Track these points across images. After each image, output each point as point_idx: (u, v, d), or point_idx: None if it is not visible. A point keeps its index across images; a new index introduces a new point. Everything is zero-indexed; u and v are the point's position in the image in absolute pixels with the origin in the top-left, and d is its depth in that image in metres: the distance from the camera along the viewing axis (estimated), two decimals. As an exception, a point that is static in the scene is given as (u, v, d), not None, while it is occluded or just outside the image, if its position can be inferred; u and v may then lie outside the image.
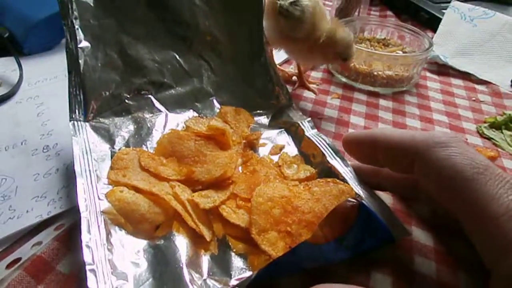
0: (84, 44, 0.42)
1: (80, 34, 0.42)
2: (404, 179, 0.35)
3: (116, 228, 0.31)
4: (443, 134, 0.28)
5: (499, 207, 0.22)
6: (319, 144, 0.41)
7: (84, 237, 0.28)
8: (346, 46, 0.49)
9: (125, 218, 0.31)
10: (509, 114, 0.52)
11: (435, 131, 0.28)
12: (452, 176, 0.25)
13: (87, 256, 0.27)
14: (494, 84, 0.63)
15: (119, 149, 0.39)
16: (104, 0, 0.44)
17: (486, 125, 0.52)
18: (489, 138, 0.50)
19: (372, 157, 0.33)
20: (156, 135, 0.42)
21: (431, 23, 0.81)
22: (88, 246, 0.28)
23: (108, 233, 0.30)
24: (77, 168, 0.34)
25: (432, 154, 0.26)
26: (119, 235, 0.31)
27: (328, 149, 0.40)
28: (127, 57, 0.45)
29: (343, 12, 0.79)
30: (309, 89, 0.58)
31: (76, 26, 0.42)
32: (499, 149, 0.48)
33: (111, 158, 0.37)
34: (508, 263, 0.21)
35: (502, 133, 0.50)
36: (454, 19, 0.76)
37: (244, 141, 0.43)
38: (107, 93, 0.43)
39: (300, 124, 0.45)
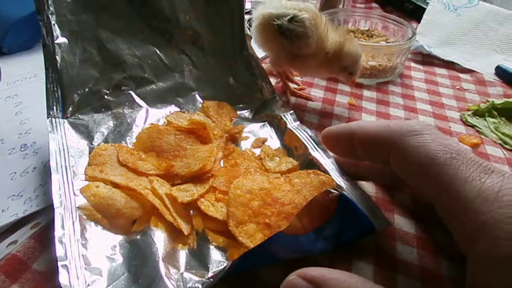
0: (61, 40, 0.41)
1: (56, 30, 0.41)
2: (384, 167, 0.35)
3: (92, 223, 0.31)
4: (416, 122, 0.28)
5: (472, 190, 0.22)
6: (301, 136, 0.41)
7: (57, 232, 0.28)
8: (353, 61, 0.47)
9: (101, 214, 0.31)
10: (493, 102, 0.52)
11: (410, 121, 0.28)
12: (425, 162, 0.25)
13: (59, 251, 0.27)
14: (478, 72, 0.63)
15: (98, 145, 0.38)
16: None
17: (469, 113, 0.52)
18: (472, 126, 0.50)
19: (350, 151, 0.33)
20: (136, 131, 0.41)
21: (416, 14, 0.81)
22: (61, 242, 0.27)
23: (83, 229, 0.30)
24: (52, 164, 0.33)
25: (406, 142, 0.26)
26: (95, 231, 0.30)
27: (310, 141, 0.40)
28: (106, 52, 0.44)
29: (327, 4, 0.79)
30: (301, 96, 0.55)
31: (53, 22, 0.41)
32: (482, 136, 0.48)
33: (90, 154, 0.37)
34: (480, 245, 0.21)
35: (486, 120, 0.50)
36: (438, 9, 0.76)
37: (226, 135, 0.43)
38: (86, 89, 0.42)
39: (283, 117, 0.44)
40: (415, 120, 0.29)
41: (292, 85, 0.56)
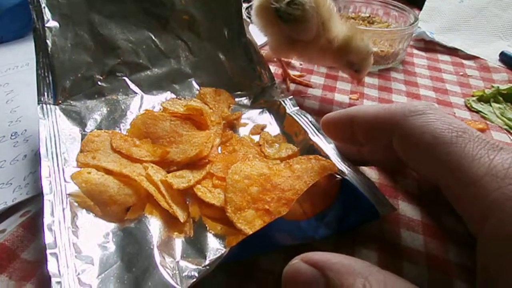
0: (52, 23, 0.40)
1: (47, 13, 0.40)
2: (387, 152, 0.33)
3: (84, 211, 0.29)
4: (419, 103, 0.27)
5: (480, 168, 0.21)
6: (301, 121, 0.40)
7: (47, 219, 0.26)
8: (361, 58, 0.44)
9: (93, 201, 0.30)
10: (498, 87, 0.51)
11: (412, 102, 0.27)
12: (431, 142, 0.24)
13: (48, 239, 0.25)
14: (482, 58, 0.62)
15: (91, 132, 0.37)
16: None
17: (474, 98, 0.51)
18: (477, 111, 0.48)
19: (351, 137, 0.32)
20: (131, 117, 0.40)
21: (418, 0, 0.79)
22: (50, 229, 0.26)
23: (74, 216, 0.28)
24: (42, 150, 0.32)
25: (410, 122, 0.25)
26: (87, 218, 0.29)
27: (310, 126, 0.39)
28: (99, 37, 0.43)
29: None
30: (300, 83, 0.53)
31: (43, 5, 0.40)
32: (488, 122, 0.47)
33: (82, 141, 0.36)
34: (490, 224, 0.20)
35: (491, 106, 0.49)
36: (441, -5, 0.75)
37: (224, 121, 0.41)
38: (78, 75, 0.41)
39: (282, 102, 0.43)
40: (418, 101, 0.28)
41: (292, 72, 0.54)
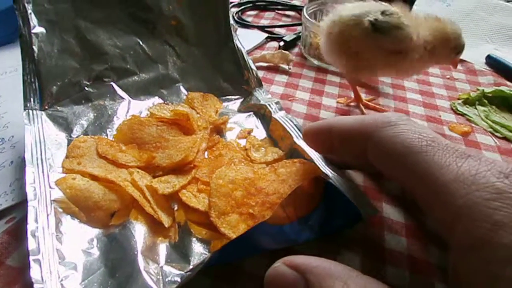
0: (39, 29, 0.40)
1: (33, 19, 0.40)
2: None
3: (68, 217, 0.29)
4: (391, 114, 0.27)
5: (449, 175, 0.21)
6: (286, 125, 0.40)
7: (30, 226, 0.27)
8: (458, 38, 0.42)
9: (77, 206, 0.30)
10: (483, 90, 0.52)
11: (385, 113, 0.27)
12: (401, 152, 0.24)
13: (31, 245, 0.25)
14: (468, 62, 0.63)
15: (77, 137, 0.37)
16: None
17: (459, 101, 0.51)
18: (462, 114, 0.49)
19: (330, 147, 0.32)
20: (117, 123, 0.40)
21: (406, 4, 0.80)
22: (34, 235, 0.26)
23: (59, 222, 0.28)
24: (27, 156, 0.32)
25: (382, 133, 0.26)
26: (71, 224, 0.29)
27: (295, 130, 0.39)
28: (86, 42, 0.43)
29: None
30: (375, 108, 0.50)
31: (29, 11, 0.40)
32: (473, 125, 0.47)
33: (68, 146, 0.36)
34: (459, 230, 0.20)
35: (476, 108, 0.50)
36: (428, -1, 0.75)
37: (211, 126, 0.42)
38: (65, 80, 0.41)
39: (268, 106, 0.43)
40: (390, 112, 0.29)
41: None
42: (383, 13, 0.40)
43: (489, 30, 0.70)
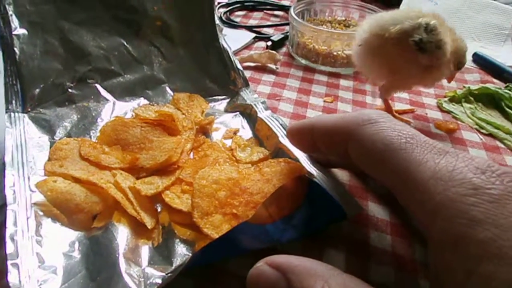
0: (20, 31, 0.40)
1: (15, 21, 0.40)
2: None
3: (49, 220, 0.29)
4: (372, 111, 0.27)
5: (427, 171, 0.21)
6: (271, 124, 0.40)
7: (9, 229, 0.26)
8: (465, 55, 0.44)
9: (58, 209, 0.29)
10: (469, 88, 0.52)
11: (365, 110, 0.27)
12: (381, 149, 0.24)
13: (10, 249, 0.25)
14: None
15: (59, 140, 0.36)
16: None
17: (446, 99, 0.52)
18: (449, 112, 0.49)
19: (313, 146, 0.32)
20: (101, 124, 0.40)
21: (395, 3, 0.80)
22: (12, 239, 0.26)
23: (39, 225, 0.28)
24: (7, 159, 0.32)
25: (362, 131, 0.26)
26: (52, 227, 0.29)
27: (280, 129, 0.39)
28: (69, 44, 0.43)
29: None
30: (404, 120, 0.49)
31: (10, 12, 0.40)
32: (459, 122, 0.48)
33: (50, 149, 0.35)
34: (437, 226, 0.20)
35: (462, 106, 0.50)
36: (416, -2, 0.76)
37: (196, 126, 0.41)
38: (48, 82, 0.40)
39: (254, 106, 0.43)
40: (371, 109, 0.29)
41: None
42: (426, 29, 0.39)
43: (476, 28, 0.70)
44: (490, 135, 0.45)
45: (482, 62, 0.62)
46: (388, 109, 0.48)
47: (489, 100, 0.51)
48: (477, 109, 0.49)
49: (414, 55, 0.40)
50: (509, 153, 0.43)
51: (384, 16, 0.42)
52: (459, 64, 0.43)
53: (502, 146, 0.44)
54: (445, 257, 0.19)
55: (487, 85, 0.52)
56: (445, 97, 0.52)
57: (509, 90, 0.51)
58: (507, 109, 0.48)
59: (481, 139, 0.45)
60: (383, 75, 0.45)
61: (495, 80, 0.58)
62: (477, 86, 0.52)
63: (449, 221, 0.19)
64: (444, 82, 0.56)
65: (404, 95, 0.53)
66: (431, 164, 0.22)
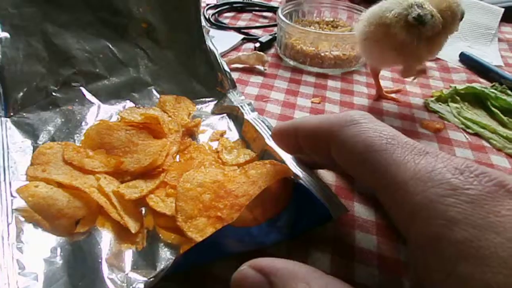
0: (2, 34, 0.39)
1: (-4, 24, 0.39)
2: None
3: (31, 226, 0.29)
4: (355, 112, 0.27)
5: (406, 172, 0.21)
6: (258, 126, 0.40)
7: (-12, 237, 0.26)
8: (459, 5, 0.46)
9: (40, 215, 0.29)
10: (455, 87, 0.52)
11: (348, 111, 0.27)
12: (362, 150, 0.24)
13: (-12, 257, 0.25)
14: (442, 59, 0.63)
15: (43, 144, 0.36)
16: (24, -13, 0.41)
17: (432, 99, 0.52)
18: (435, 112, 0.49)
19: (298, 148, 0.32)
20: (86, 128, 0.39)
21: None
22: (-8, 246, 0.25)
23: (20, 232, 0.28)
24: (-12, 165, 0.31)
25: (344, 132, 0.26)
26: (34, 233, 0.28)
27: (267, 131, 0.39)
28: (53, 47, 0.42)
29: (294, -2, 0.78)
30: (392, 99, 0.53)
31: (-9, 16, 0.39)
32: (445, 121, 0.48)
33: (33, 153, 0.35)
34: (416, 227, 0.20)
35: (448, 105, 0.50)
36: (403, -2, 0.76)
37: (183, 129, 0.41)
38: (32, 86, 0.40)
39: (240, 108, 0.43)
40: (354, 110, 0.29)
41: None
42: (418, 6, 0.42)
43: (463, 28, 0.71)
44: (476, 134, 0.46)
45: (468, 62, 0.62)
46: (379, 90, 0.52)
47: (475, 99, 0.51)
48: (463, 109, 0.49)
49: (416, 30, 0.42)
50: (495, 152, 0.43)
51: (378, 8, 0.44)
52: (462, 15, 0.46)
53: (488, 145, 0.44)
54: (424, 258, 0.19)
55: (474, 84, 0.53)
56: (432, 96, 0.53)
57: (495, 89, 0.52)
58: (492, 108, 0.49)
59: (467, 138, 0.45)
60: (393, 60, 0.47)
61: (481, 80, 0.58)
62: (463, 86, 0.52)
63: (427, 222, 0.19)
64: (432, 81, 0.57)
65: (392, 94, 0.53)
66: (411, 165, 0.22)
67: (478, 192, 0.19)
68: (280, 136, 0.33)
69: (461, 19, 0.47)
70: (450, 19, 0.45)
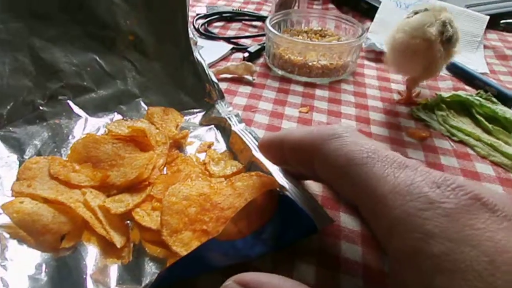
0: (-12, 49, 0.39)
1: (-18, 40, 0.39)
2: None
3: (15, 242, 0.29)
4: (338, 126, 0.28)
5: (386, 186, 0.22)
6: (245, 138, 0.40)
7: (-29, 255, 0.26)
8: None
9: (25, 231, 0.29)
10: (441, 95, 0.53)
11: (332, 125, 0.28)
12: (343, 164, 0.24)
13: (-29, 276, 0.25)
14: (428, 67, 0.64)
15: (29, 158, 0.36)
16: (11, 3, 0.41)
17: (419, 107, 0.52)
18: (421, 120, 0.50)
19: (284, 159, 0.32)
20: (73, 142, 0.39)
21: (371, 13, 0.82)
22: (-26, 265, 0.25)
23: (4, 248, 0.28)
24: (-28, 181, 0.31)
25: (327, 146, 0.26)
26: (19, 250, 0.28)
27: (254, 143, 0.39)
28: (40, 61, 0.42)
29: (283, 6, 0.79)
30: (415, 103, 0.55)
31: (-23, 31, 0.39)
32: (431, 130, 0.48)
33: (19, 168, 0.35)
34: (395, 240, 0.20)
35: (434, 113, 0.51)
36: (390, 7, 0.77)
37: (170, 141, 0.41)
38: (18, 100, 0.40)
39: (228, 119, 0.43)
40: (338, 124, 0.29)
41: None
42: (450, 26, 0.46)
43: (449, 35, 0.72)
44: (461, 142, 0.46)
45: (454, 69, 0.63)
46: (408, 98, 0.54)
47: (461, 107, 0.52)
48: (449, 116, 0.50)
49: (446, 46, 0.46)
50: (479, 160, 0.44)
51: (417, 22, 0.47)
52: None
53: (473, 152, 0.45)
54: (402, 271, 0.20)
55: (459, 92, 0.53)
56: (418, 104, 0.53)
57: (480, 97, 0.52)
58: (477, 115, 0.49)
59: (452, 146, 0.46)
60: (415, 70, 0.50)
61: (467, 87, 0.59)
62: (449, 94, 0.53)
63: (405, 236, 0.20)
64: (418, 89, 0.57)
65: (378, 103, 0.54)
66: (390, 179, 0.22)
67: (454, 206, 0.20)
68: (267, 147, 0.33)
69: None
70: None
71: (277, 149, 0.32)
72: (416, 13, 0.48)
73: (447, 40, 0.46)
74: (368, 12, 0.84)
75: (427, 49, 0.46)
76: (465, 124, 0.49)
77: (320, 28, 0.69)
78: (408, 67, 0.51)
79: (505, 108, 0.50)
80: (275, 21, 0.65)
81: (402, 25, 0.48)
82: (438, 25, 0.45)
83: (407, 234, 0.20)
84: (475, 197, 0.20)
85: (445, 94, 0.53)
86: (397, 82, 0.60)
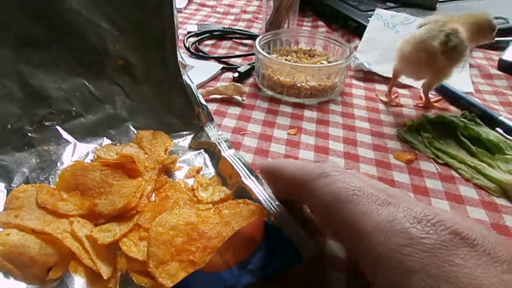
0: (-24, 77, 0.40)
1: (-30, 67, 0.40)
2: None
3: (1, 275, 0.29)
4: (327, 165, 0.29)
5: (369, 223, 0.22)
6: (234, 164, 0.40)
7: (-44, 290, 0.26)
8: (489, 19, 0.55)
9: (11, 264, 0.29)
10: (426, 116, 0.54)
11: (321, 163, 0.30)
12: (330, 201, 0.26)
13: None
14: (416, 88, 0.65)
15: (17, 187, 0.36)
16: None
17: (405, 128, 0.53)
18: (407, 142, 0.51)
19: (277, 189, 0.35)
20: (61, 168, 0.39)
21: (359, 31, 0.83)
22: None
23: (-11, 283, 0.28)
24: (-41, 213, 0.31)
25: (315, 183, 0.28)
26: (5, 283, 0.28)
27: (243, 169, 0.40)
28: (29, 87, 0.43)
29: (273, 25, 0.80)
30: (434, 107, 0.60)
31: (-35, 58, 0.39)
32: (417, 152, 0.49)
33: (7, 197, 0.35)
34: (378, 277, 0.21)
35: (420, 135, 0.52)
36: (378, 26, 0.78)
37: (159, 166, 0.41)
38: (7, 127, 0.40)
39: (217, 145, 0.44)
40: (327, 162, 0.31)
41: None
42: (455, 36, 0.50)
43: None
44: (446, 164, 0.47)
45: (440, 89, 0.64)
46: (427, 102, 0.60)
47: (446, 128, 0.53)
48: (434, 138, 0.51)
49: (451, 54, 0.50)
50: (463, 183, 0.44)
51: (417, 35, 0.52)
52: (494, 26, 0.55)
53: (457, 175, 0.45)
54: None
55: (444, 113, 0.54)
56: (404, 125, 0.54)
57: (464, 118, 0.53)
58: (462, 137, 0.50)
59: (437, 169, 0.46)
60: (424, 77, 0.56)
61: (452, 108, 0.60)
62: (434, 115, 0.54)
63: (388, 271, 0.20)
64: (404, 110, 0.58)
65: (365, 124, 0.55)
66: (374, 216, 0.23)
67: (433, 241, 0.20)
68: (266, 175, 0.36)
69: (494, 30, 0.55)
70: (481, 35, 0.54)
71: (271, 177, 0.35)
72: (421, 26, 0.54)
73: (451, 50, 0.50)
74: (356, 30, 0.85)
75: (431, 60, 0.51)
76: (450, 146, 0.50)
77: (309, 48, 0.70)
78: (417, 75, 0.56)
79: (488, 130, 0.51)
80: (264, 41, 0.66)
81: (408, 39, 0.54)
82: (442, 36, 0.49)
83: (390, 269, 0.20)
84: (454, 232, 0.21)
85: (430, 115, 0.54)
86: (385, 102, 0.61)
